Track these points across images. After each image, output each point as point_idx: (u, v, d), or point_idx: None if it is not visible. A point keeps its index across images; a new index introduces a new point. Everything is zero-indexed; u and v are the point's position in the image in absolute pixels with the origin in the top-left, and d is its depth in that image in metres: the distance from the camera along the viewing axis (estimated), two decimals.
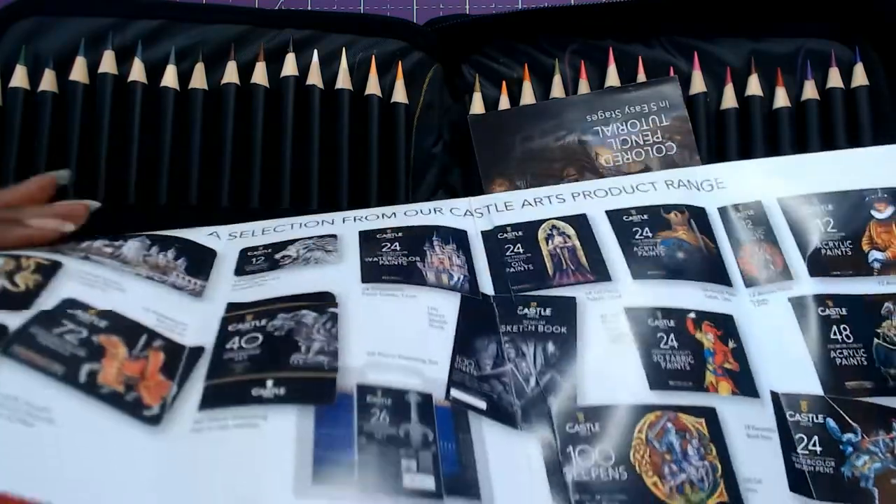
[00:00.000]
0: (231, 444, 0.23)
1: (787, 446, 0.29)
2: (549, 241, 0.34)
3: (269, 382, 0.25)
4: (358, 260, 0.31)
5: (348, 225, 0.34)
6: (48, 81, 0.40)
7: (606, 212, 0.35)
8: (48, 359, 0.24)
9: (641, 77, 0.43)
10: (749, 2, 0.43)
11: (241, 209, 0.40)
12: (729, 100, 0.42)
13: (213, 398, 0.25)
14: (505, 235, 0.34)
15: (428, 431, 0.25)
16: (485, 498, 0.24)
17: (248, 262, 0.32)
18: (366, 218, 0.35)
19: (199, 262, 0.31)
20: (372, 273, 0.31)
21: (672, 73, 0.43)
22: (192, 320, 0.28)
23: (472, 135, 0.42)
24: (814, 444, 0.29)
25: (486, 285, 0.32)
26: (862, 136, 0.41)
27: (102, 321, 0.26)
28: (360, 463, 0.23)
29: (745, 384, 0.30)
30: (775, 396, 0.30)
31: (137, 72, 0.40)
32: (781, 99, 0.42)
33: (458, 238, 0.34)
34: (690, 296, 0.31)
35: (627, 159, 0.41)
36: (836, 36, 0.43)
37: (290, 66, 0.41)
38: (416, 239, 0.33)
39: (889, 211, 0.34)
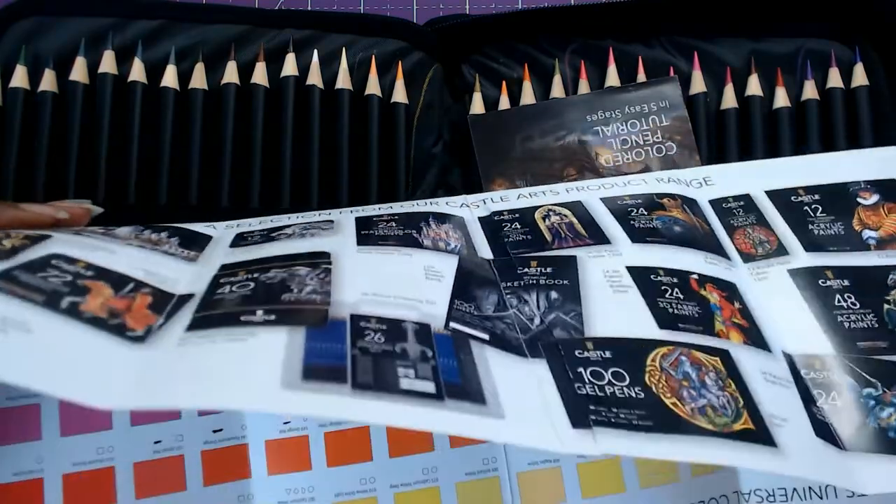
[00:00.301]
0: (218, 352, 0.22)
1: (807, 399, 0.28)
2: (546, 219, 0.34)
3: (259, 311, 0.24)
4: (354, 232, 0.31)
5: (345, 215, 0.34)
6: (48, 81, 0.40)
7: (601, 198, 0.35)
8: (29, 291, 0.22)
9: (641, 77, 0.43)
10: (749, 2, 0.43)
11: (241, 209, 0.40)
12: (729, 100, 0.42)
13: (202, 322, 0.24)
14: (502, 218, 0.34)
15: (426, 349, 0.24)
16: (490, 404, 0.23)
17: (243, 239, 0.31)
18: (362, 211, 0.35)
19: (193, 239, 0.31)
20: (367, 240, 0.30)
21: (672, 73, 0.43)
22: (184, 277, 0.27)
23: (472, 135, 0.42)
24: (833, 399, 0.28)
25: (485, 253, 0.32)
26: (862, 136, 0.41)
27: (89, 271, 0.25)
28: (353, 368, 0.22)
29: (756, 338, 0.29)
30: (788, 357, 0.29)
31: (137, 72, 0.40)
32: (781, 99, 0.42)
33: (454, 221, 0.34)
34: (691, 260, 0.31)
35: (627, 159, 0.41)
36: (836, 36, 0.43)
37: (290, 66, 0.41)
38: (412, 218, 0.33)
39: (874, 198, 0.34)
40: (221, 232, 0.33)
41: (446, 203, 0.35)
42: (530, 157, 0.42)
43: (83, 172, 0.39)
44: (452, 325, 0.26)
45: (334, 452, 0.33)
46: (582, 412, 0.24)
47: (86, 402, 0.19)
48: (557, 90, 0.43)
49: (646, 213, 0.34)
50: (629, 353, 0.26)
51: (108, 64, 0.40)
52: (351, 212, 0.34)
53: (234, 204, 0.40)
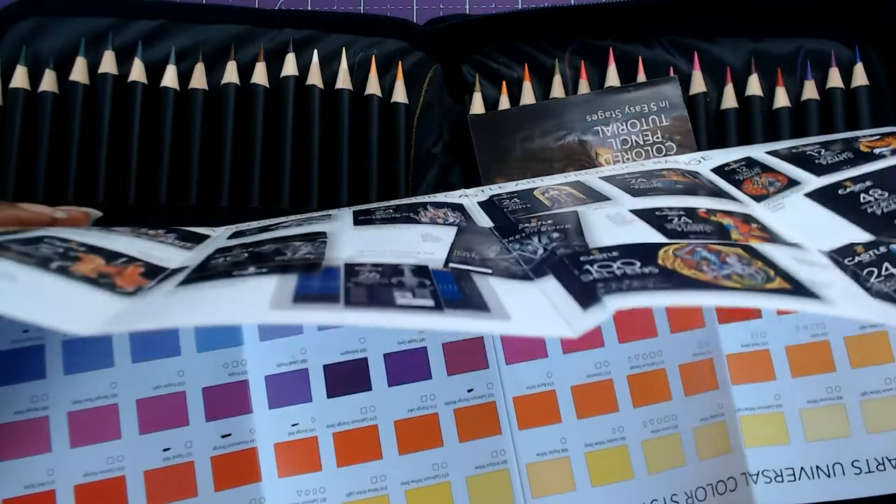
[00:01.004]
0: (208, 289, 0.22)
1: (858, 280, 0.26)
2: (546, 193, 0.34)
3: (252, 268, 0.23)
4: (351, 218, 0.31)
5: (343, 210, 0.34)
6: (48, 82, 0.40)
7: (600, 177, 0.35)
8: (20, 255, 0.22)
9: (641, 77, 0.43)
10: (749, 2, 0.43)
11: (240, 209, 0.40)
12: (729, 100, 0.42)
13: (192, 279, 0.23)
14: (501, 197, 0.34)
15: (424, 280, 0.22)
16: (494, 310, 0.21)
17: (240, 233, 0.31)
18: (360, 207, 0.35)
19: (191, 236, 0.31)
20: (365, 221, 0.30)
21: (672, 73, 0.43)
22: (178, 258, 0.27)
23: (472, 135, 0.42)
24: (886, 269, 0.26)
25: (486, 224, 0.31)
26: None
27: (82, 247, 0.24)
28: (347, 293, 0.21)
29: (782, 242, 0.27)
30: (824, 253, 0.27)
31: (137, 72, 0.40)
32: (781, 99, 0.42)
33: (454, 205, 0.33)
34: (698, 201, 0.30)
35: (627, 159, 0.41)
36: (836, 36, 0.43)
37: (290, 66, 0.41)
38: (411, 206, 0.33)
39: (881, 148, 0.33)
40: (219, 232, 0.33)
41: (444, 195, 0.36)
42: (530, 157, 0.42)
43: (83, 172, 0.39)
44: (452, 265, 0.25)
45: (343, 452, 0.33)
46: (590, 292, 0.22)
47: (61, 326, 0.18)
48: (557, 90, 0.43)
49: (646, 180, 0.33)
50: (639, 249, 0.25)
51: (108, 64, 0.40)
52: (350, 209, 0.35)
53: (233, 204, 0.40)
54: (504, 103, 0.43)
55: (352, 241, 0.27)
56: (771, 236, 0.28)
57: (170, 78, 0.41)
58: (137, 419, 0.32)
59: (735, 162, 0.35)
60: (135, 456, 0.31)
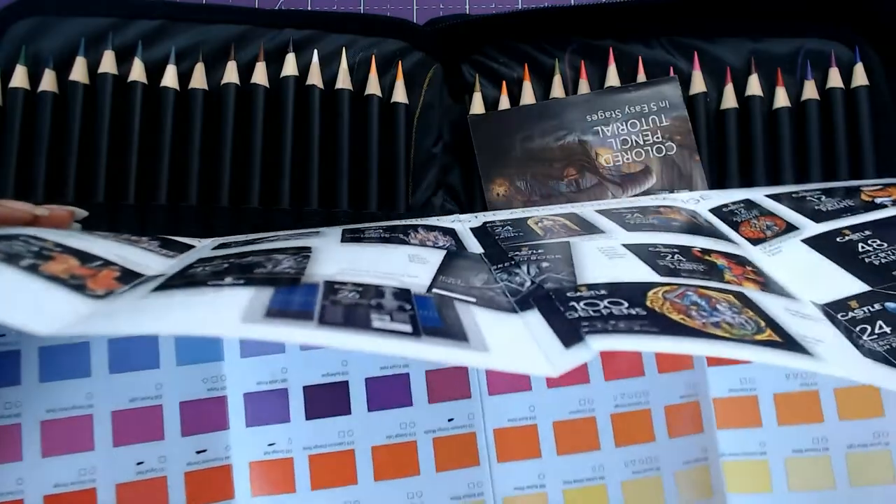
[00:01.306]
0: (179, 296, 0.21)
1: (850, 337, 0.25)
2: (540, 223, 0.34)
3: (229, 278, 0.22)
4: (339, 235, 0.31)
5: (332, 229, 0.34)
6: (48, 81, 0.40)
7: (596, 210, 0.35)
8: None
9: (641, 77, 0.43)
10: (749, 2, 0.43)
11: (240, 209, 0.40)
12: (729, 100, 0.42)
13: (167, 286, 0.23)
14: (494, 224, 0.34)
15: (404, 304, 0.22)
16: (473, 341, 0.20)
17: (225, 245, 0.31)
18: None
19: (174, 245, 0.30)
20: (352, 238, 0.30)
21: (672, 73, 0.43)
22: (157, 266, 0.26)
23: (472, 135, 0.42)
24: (880, 328, 0.26)
25: (476, 250, 0.31)
26: (862, 136, 0.41)
27: (57, 247, 0.24)
28: (322, 312, 0.20)
29: (776, 289, 0.27)
30: (818, 306, 0.27)
31: (137, 72, 0.40)
32: (781, 99, 0.42)
33: (445, 230, 0.33)
34: (693, 240, 0.30)
35: (627, 159, 0.41)
36: (836, 36, 0.43)
37: (290, 66, 0.41)
38: (401, 227, 0.32)
39: (882, 198, 0.33)
40: (205, 244, 0.32)
41: (437, 220, 0.35)
42: (530, 157, 0.42)
43: (83, 172, 0.39)
44: (435, 290, 0.24)
45: (319, 475, 0.32)
46: (573, 331, 0.21)
47: (20, 324, 0.18)
48: (557, 90, 0.43)
49: (641, 216, 0.33)
50: (627, 289, 0.24)
51: (108, 64, 0.40)
52: (340, 227, 0.34)
53: (233, 204, 0.40)
54: (504, 103, 0.43)
55: (336, 257, 0.26)
56: (765, 280, 0.28)
57: (170, 78, 0.41)
58: (112, 431, 0.31)
59: (734, 203, 0.35)
60: (107, 468, 0.31)
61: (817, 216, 0.32)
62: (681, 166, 0.41)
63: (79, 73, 0.40)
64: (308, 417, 0.33)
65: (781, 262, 0.30)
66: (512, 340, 0.21)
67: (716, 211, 0.35)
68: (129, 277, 0.24)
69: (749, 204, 0.35)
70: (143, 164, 0.40)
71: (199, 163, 0.40)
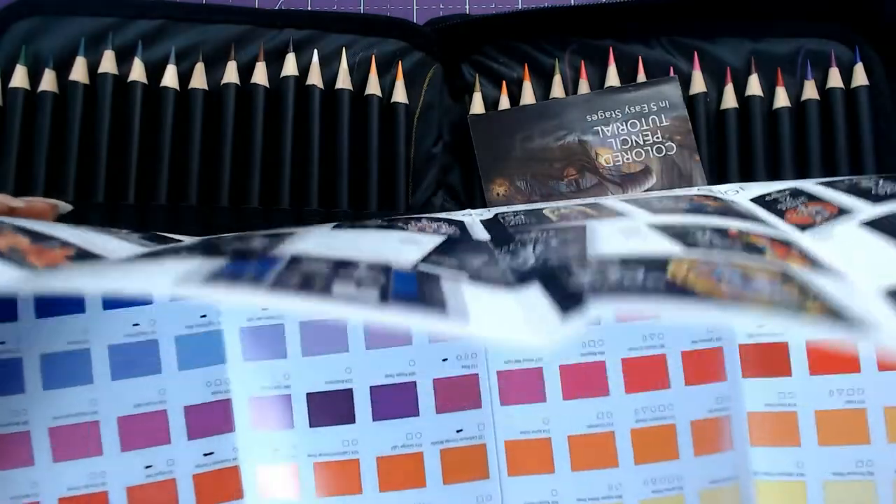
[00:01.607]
0: (122, 266, 0.19)
1: None
2: (556, 211, 0.31)
3: (184, 252, 0.20)
4: (332, 226, 0.29)
5: (327, 224, 0.33)
6: (48, 81, 0.40)
7: (621, 199, 0.32)
8: None
9: (641, 77, 0.43)
10: (749, 2, 0.43)
11: (240, 209, 0.40)
12: (729, 100, 0.42)
13: (118, 259, 0.21)
14: (506, 215, 0.31)
15: (378, 275, 0.19)
16: (453, 311, 0.18)
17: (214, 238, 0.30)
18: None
19: (159, 238, 0.30)
20: (346, 226, 0.28)
21: (672, 73, 0.43)
22: (127, 252, 0.24)
23: (472, 135, 0.42)
24: None
25: (482, 237, 0.28)
26: (862, 136, 0.41)
27: (12, 227, 0.22)
28: (278, 276, 0.18)
29: (827, 270, 0.24)
30: (879, 291, 0.23)
31: (137, 72, 0.40)
32: (781, 99, 0.42)
33: (452, 221, 0.31)
34: (730, 222, 0.26)
35: (627, 159, 0.41)
36: (836, 36, 0.43)
37: (290, 66, 0.41)
38: (402, 217, 0.31)
39: None
40: (195, 240, 0.32)
41: (448, 214, 0.33)
42: (530, 157, 0.42)
43: (83, 172, 0.39)
44: (421, 267, 0.21)
45: (323, 483, 0.32)
46: (575, 296, 0.18)
47: None
48: (557, 90, 0.43)
49: (672, 202, 0.29)
50: (645, 260, 0.21)
51: (108, 64, 0.40)
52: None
53: (233, 204, 0.40)
54: (504, 103, 0.43)
55: (316, 239, 0.24)
56: (815, 261, 0.24)
57: (170, 78, 0.41)
58: (119, 436, 0.31)
59: (777, 192, 0.31)
60: (117, 472, 0.31)
61: (875, 199, 0.28)
62: (681, 166, 0.41)
63: (79, 72, 0.40)
64: (312, 425, 0.32)
65: (835, 245, 0.26)
66: (501, 311, 0.19)
67: (757, 200, 0.32)
68: (82, 258, 0.23)
69: (795, 192, 0.31)
70: (143, 163, 0.40)
71: (199, 163, 0.40)
